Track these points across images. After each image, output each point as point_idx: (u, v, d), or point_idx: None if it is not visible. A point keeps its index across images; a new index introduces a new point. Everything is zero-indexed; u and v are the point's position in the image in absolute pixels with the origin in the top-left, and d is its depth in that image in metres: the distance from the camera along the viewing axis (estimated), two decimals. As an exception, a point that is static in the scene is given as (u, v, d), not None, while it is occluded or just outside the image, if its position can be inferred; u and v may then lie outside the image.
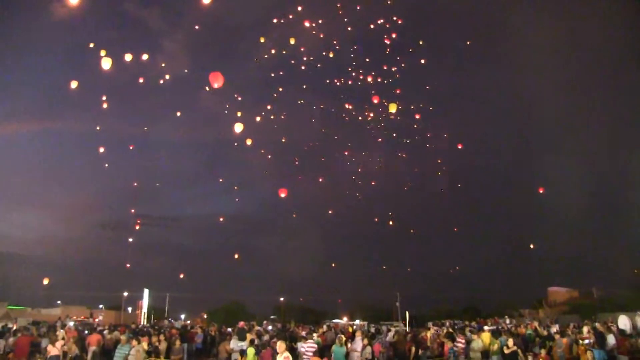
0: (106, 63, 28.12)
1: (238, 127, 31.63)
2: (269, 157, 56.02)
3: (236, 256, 52.49)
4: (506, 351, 15.50)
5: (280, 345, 11.11)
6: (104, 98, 39.87)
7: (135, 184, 58.43)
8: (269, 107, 43.65)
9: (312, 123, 60.19)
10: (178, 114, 52.75)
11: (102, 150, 42.48)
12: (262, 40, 42.76)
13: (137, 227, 51.77)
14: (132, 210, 57.94)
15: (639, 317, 25.07)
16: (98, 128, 49.83)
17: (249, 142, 40.53)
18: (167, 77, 40.78)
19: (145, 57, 35.49)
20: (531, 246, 50.93)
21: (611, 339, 17.89)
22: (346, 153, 57.34)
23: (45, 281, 43.96)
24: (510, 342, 15.51)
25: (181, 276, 53.75)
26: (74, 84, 30.07)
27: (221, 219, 61.54)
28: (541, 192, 43.07)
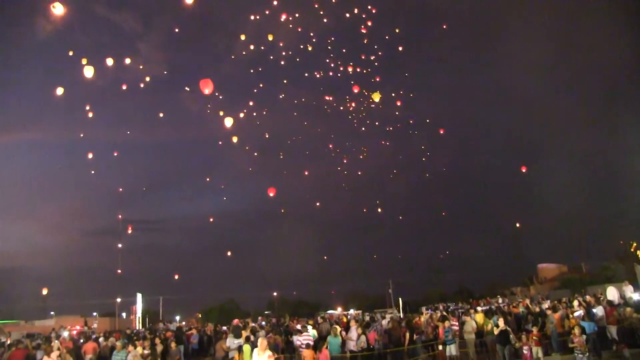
0: (88, 71, 27.78)
1: (228, 122, 31.43)
2: (255, 154, 55.80)
3: (229, 254, 52.45)
4: (495, 331, 15.54)
5: (262, 343, 10.40)
6: (87, 108, 39.34)
7: (121, 189, 57.95)
8: (251, 103, 43.30)
9: (294, 117, 60.14)
10: (161, 114, 52.35)
11: (90, 156, 41.84)
12: (242, 37, 42.39)
13: (130, 232, 51.30)
14: (119, 216, 57.56)
15: (627, 288, 25.49)
16: (82, 135, 49.17)
17: (235, 139, 40.26)
18: (148, 79, 40.25)
19: (127, 60, 35.04)
20: (517, 225, 51.45)
21: (599, 311, 18.23)
22: (330, 146, 57.29)
23: (45, 291, 43.63)
24: (501, 321, 15.46)
25: (176, 277, 53.63)
26: (59, 91, 29.49)
27: (210, 219, 61.44)
28: (524, 171, 43.45)
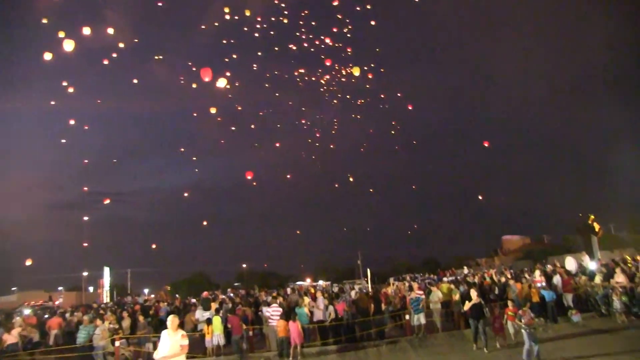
0: (68, 45, 26.90)
1: (221, 82, 30.90)
2: (232, 128, 55.12)
3: (205, 223, 52.31)
4: (466, 307, 14.33)
5: (173, 322, 8.69)
6: (65, 84, 37.94)
7: (86, 161, 56.76)
8: (228, 74, 42.64)
9: (266, 89, 59.53)
10: (135, 81, 51.07)
11: (72, 122, 40.31)
12: (226, 10, 41.21)
13: (105, 203, 50.34)
14: (85, 188, 56.55)
15: (585, 257, 26.43)
16: (53, 103, 47.49)
17: (213, 110, 39.63)
18: (122, 45, 38.85)
19: (94, 29, 33.84)
20: (479, 197, 52.54)
21: (557, 280, 18.96)
22: (303, 121, 57.08)
23: (28, 262, 42.61)
24: (474, 294, 14.38)
25: (153, 246, 53.20)
26: (47, 56, 28.29)
27: (185, 194, 60.92)
28: (486, 145, 44.14)
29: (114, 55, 40.05)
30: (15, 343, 16.41)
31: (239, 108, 53.37)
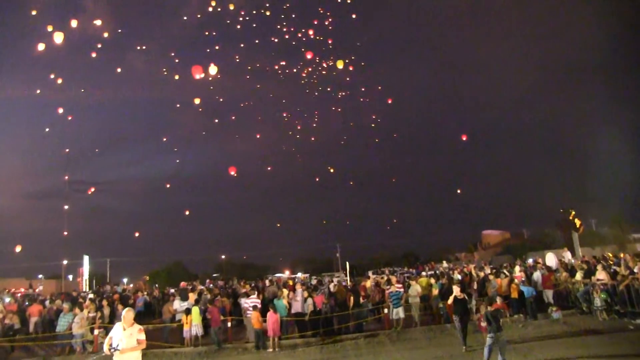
0: (58, 37, 26.55)
1: (213, 69, 30.74)
2: (215, 120, 54.77)
3: (187, 212, 52.01)
4: (449, 301, 13.62)
5: (128, 316, 8.28)
6: (53, 76, 37.18)
7: (67, 150, 55.85)
8: (212, 65, 42.17)
9: (247, 81, 59.12)
10: (118, 70, 50.32)
11: (60, 110, 39.53)
12: (212, 2, 40.56)
13: (90, 193, 49.81)
14: (66, 177, 55.75)
15: (565, 254, 26.70)
16: (38, 92, 46.67)
17: (197, 101, 39.27)
18: (106, 35, 38.16)
19: (74, 23, 33.23)
20: (458, 191, 52.94)
21: (537, 276, 19.08)
22: (285, 114, 56.87)
23: (18, 248, 41.94)
24: (456, 289, 13.57)
25: (136, 234, 52.78)
26: (58, 37, 27.73)
27: (167, 185, 60.60)
28: (464, 139, 44.40)
29: (99, 45, 39.40)
30: None
31: (220, 99, 53.03)
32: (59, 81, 36.82)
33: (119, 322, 8.31)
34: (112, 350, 7.86)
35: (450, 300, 13.45)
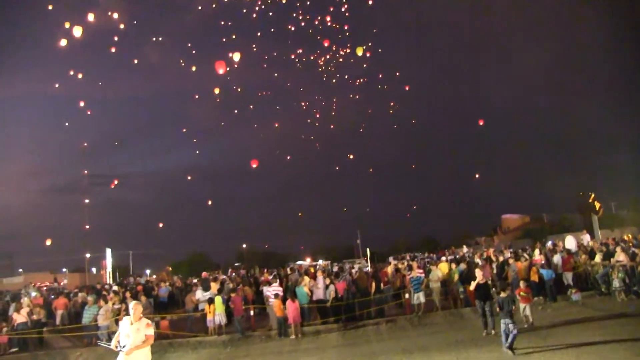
0: (77, 31, 26.99)
1: (236, 56, 31.12)
2: (234, 110, 54.92)
3: (210, 203, 52.64)
4: (472, 286, 13.14)
5: (136, 309, 7.83)
6: (72, 72, 37.59)
7: (85, 144, 56.59)
8: (231, 54, 42.30)
9: (264, 70, 59.09)
10: (135, 61, 50.56)
11: (82, 104, 40.03)
12: None
13: (113, 186, 50.63)
14: (85, 171, 56.62)
15: (584, 237, 26.52)
16: (57, 85, 47.07)
17: (217, 91, 39.49)
18: (122, 26, 38.31)
19: (91, 17, 33.50)
20: (476, 176, 52.65)
21: (557, 258, 19.03)
22: (303, 104, 56.85)
23: (48, 242, 42.92)
24: (479, 273, 13.09)
25: (160, 225, 53.54)
26: (77, 31, 28.21)
27: (189, 178, 61.14)
28: (481, 124, 44.13)
29: (115, 38, 39.63)
30: (24, 322, 17.00)
31: (239, 89, 53.10)
32: (79, 75, 37.20)
33: (127, 317, 7.93)
34: (119, 349, 7.56)
35: (472, 286, 13.04)
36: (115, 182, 49.79)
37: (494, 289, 13.56)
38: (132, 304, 8.02)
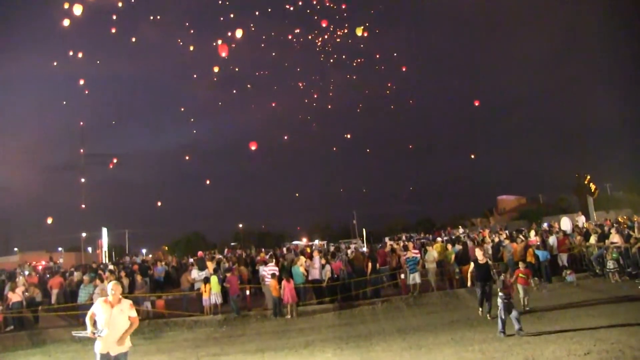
0: (77, 9, 26.65)
1: (238, 33, 31.06)
2: (231, 90, 54.65)
3: (208, 182, 52.58)
4: (471, 267, 12.80)
5: (115, 289, 7.16)
6: (69, 49, 37.00)
7: (82, 122, 56.13)
8: (230, 34, 41.84)
9: (262, 50, 58.55)
10: (133, 39, 49.95)
11: (82, 82, 39.53)
12: None
13: (112, 166, 50.40)
14: (81, 150, 56.28)
15: (579, 218, 26.60)
16: (55, 63, 46.44)
17: (216, 69, 39.24)
18: (120, 4, 37.61)
19: None
20: (472, 156, 52.70)
21: (552, 240, 19.07)
22: (300, 84, 56.48)
23: (49, 220, 42.80)
24: (479, 253, 12.72)
25: (159, 204, 53.47)
26: (66, 22, 27.90)
27: (187, 158, 60.89)
28: (477, 104, 44.05)
29: (114, 17, 39.04)
30: (19, 301, 17.05)
31: (237, 69, 52.69)
32: (79, 55, 36.65)
33: (101, 299, 7.27)
34: (97, 335, 6.83)
35: (471, 267, 12.71)
36: (115, 161, 49.44)
37: (493, 270, 12.83)
38: (110, 285, 7.30)
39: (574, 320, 11.01)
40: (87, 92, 45.96)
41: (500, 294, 10.32)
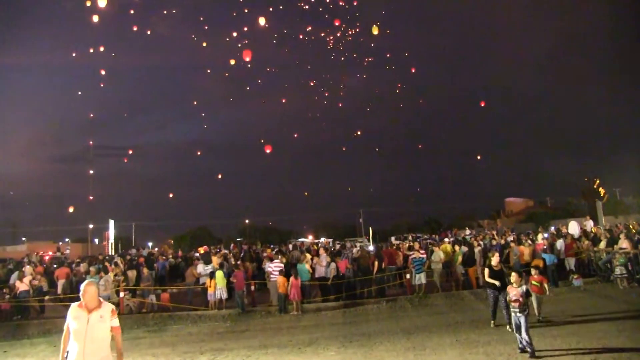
0: (102, 1, 26.88)
1: (261, 21, 31.35)
2: (242, 86, 54.70)
3: (219, 176, 52.79)
4: (485, 273, 11.82)
5: (88, 291, 5.45)
6: (88, 44, 37.28)
7: (92, 114, 56.45)
8: (235, 34, 41.79)
9: (274, 47, 58.59)
10: (148, 32, 50.19)
11: (103, 72, 39.64)
12: None
13: (126, 161, 51.13)
14: (90, 142, 56.70)
15: (588, 222, 26.39)
16: (74, 54, 46.57)
17: (232, 62, 39.38)
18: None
19: None
20: (478, 157, 52.61)
21: (560, 244, 18.96)
22: (311, 83, 56.41)
23: (71, 209, 43.22)
24: (495, 258, 11.84)
25: (170, 195, 53.78)
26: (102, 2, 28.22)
27: (198, 153, 61.13)
28: (482, 105, 44.03)
29: (132, 11, 39.17)
30: (26, 290, 17.29)
31: (248, 65, 52.78)
32: (100, 48, 36.78)
33: (75, 303, 5.58)
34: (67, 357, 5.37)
35: (486, 273, 11.68)
36: (130, 152, 49.89)
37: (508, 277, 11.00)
38: (83, 285, 5.57)
39: (580, 324, 10.98)
40: (102, 85, 46.15)
41: (512, 305, 9.37)
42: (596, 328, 10.76)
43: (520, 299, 9.27)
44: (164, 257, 25.86)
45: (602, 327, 10.80)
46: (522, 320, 8.98)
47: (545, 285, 11.63)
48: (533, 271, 11.87)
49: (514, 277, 9.69)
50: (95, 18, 29.48)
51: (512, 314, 9.39)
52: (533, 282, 11.52)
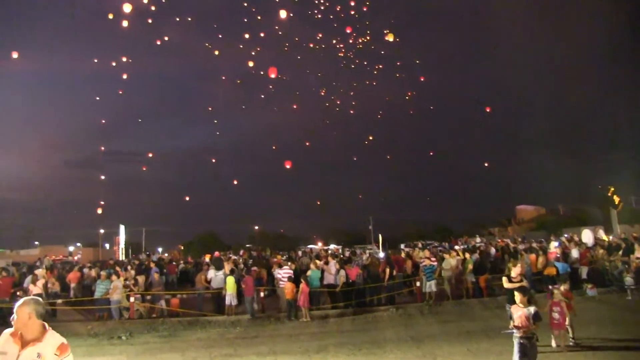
0: (127, 7, 27.23)
1: (283, 13, 31.88)
2: (255, 94, 55.01)
3: (235, 182, 53.05)
4: (507, 285, 10.03)
5: (21, 314, 3.86)
6: (125, 59, 37.49)
7: (104, 120, 56.95)
8: (246, 35, 41.92)
9: (285, 54, 58.66)
10: (158, 42, 50.71)
11: (125, 76, 40.07)
12: None
13: (144, 169, 51.49)
14: (102, 148, 57.18)
15: (601, 231, 26.13)
16: (95, 60, 47.10)
17: (250, 64, 39.87)
18: (153, 8, 38.06)
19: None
20: (485, 164, 52.18)
21: (574, 253, 18.74)
22: (322, 92, 56.51)
23: (99, 210, 43.59)
24: (516, 270, 10.27)
25: (187, 199, 54.13)
26: (127, 7, 28.67)
27: (213, 160, 61.35)
28: (488, 111, 43.89)
29: (149, 20, 39.47)
30: (40, 294, 17.15)
31: (261, 72, 53.07)
32: (122, 58, 37.18)
33: (7, 331, 3.95)
34: None
35: (507, 284, 10.09)
36: (150, 155, 50.31)
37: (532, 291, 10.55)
38: (16, 306, 3.94)
39: (595, 335, 10.74)
40: (121, 92, 46.62)
41: (513, 330, 7.56)
42: (603, 329, 10.65)
43: (527, 323, 7.42)
44: (179, 263, 25.93)
45: (611, 330, 10.84)
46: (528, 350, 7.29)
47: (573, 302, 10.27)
48: (563, 287, 10.61)
49: (518, 296, 7.79)
50: (125, 23, 29.82)
51: (514, 340, 7.50)
52: (561, 298, 10.06)
